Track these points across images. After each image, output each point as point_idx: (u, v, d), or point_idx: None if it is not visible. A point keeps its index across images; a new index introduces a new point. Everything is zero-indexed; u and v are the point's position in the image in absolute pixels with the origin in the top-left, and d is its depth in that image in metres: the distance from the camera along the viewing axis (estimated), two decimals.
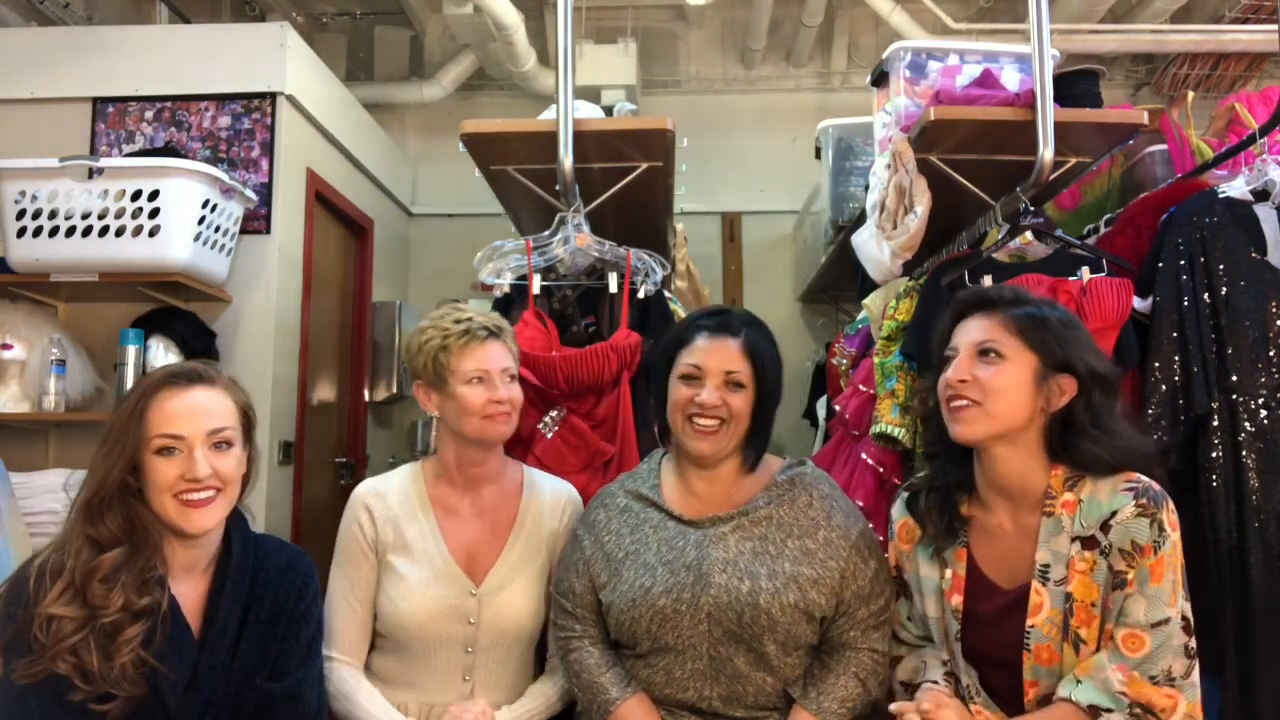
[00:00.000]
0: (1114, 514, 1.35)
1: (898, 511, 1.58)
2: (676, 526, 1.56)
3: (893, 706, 1.43)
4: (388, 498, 1.69)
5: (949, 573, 1.47)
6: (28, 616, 1.27)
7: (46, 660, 1.24)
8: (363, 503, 1.69)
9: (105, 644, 1.27)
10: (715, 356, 1.56)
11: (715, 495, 1.59)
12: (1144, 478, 1.38)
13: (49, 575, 1.30)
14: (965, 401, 1.42)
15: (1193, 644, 1.32)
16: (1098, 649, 1.35)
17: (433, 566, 1.63)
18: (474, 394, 1.63)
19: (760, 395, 1.57)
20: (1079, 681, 1.33)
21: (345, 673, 1.61)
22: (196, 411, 1.36)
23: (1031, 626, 1.38)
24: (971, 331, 1.46)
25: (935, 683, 1.47)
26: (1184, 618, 1.33)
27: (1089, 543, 1.36)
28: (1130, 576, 1.33)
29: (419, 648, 1.62)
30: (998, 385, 1.40)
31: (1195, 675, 1.32)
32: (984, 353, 1.43)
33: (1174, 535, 1.34)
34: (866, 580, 1.52)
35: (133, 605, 1.29)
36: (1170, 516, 1.34)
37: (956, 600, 1.46)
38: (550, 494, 1.76)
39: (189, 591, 1.40)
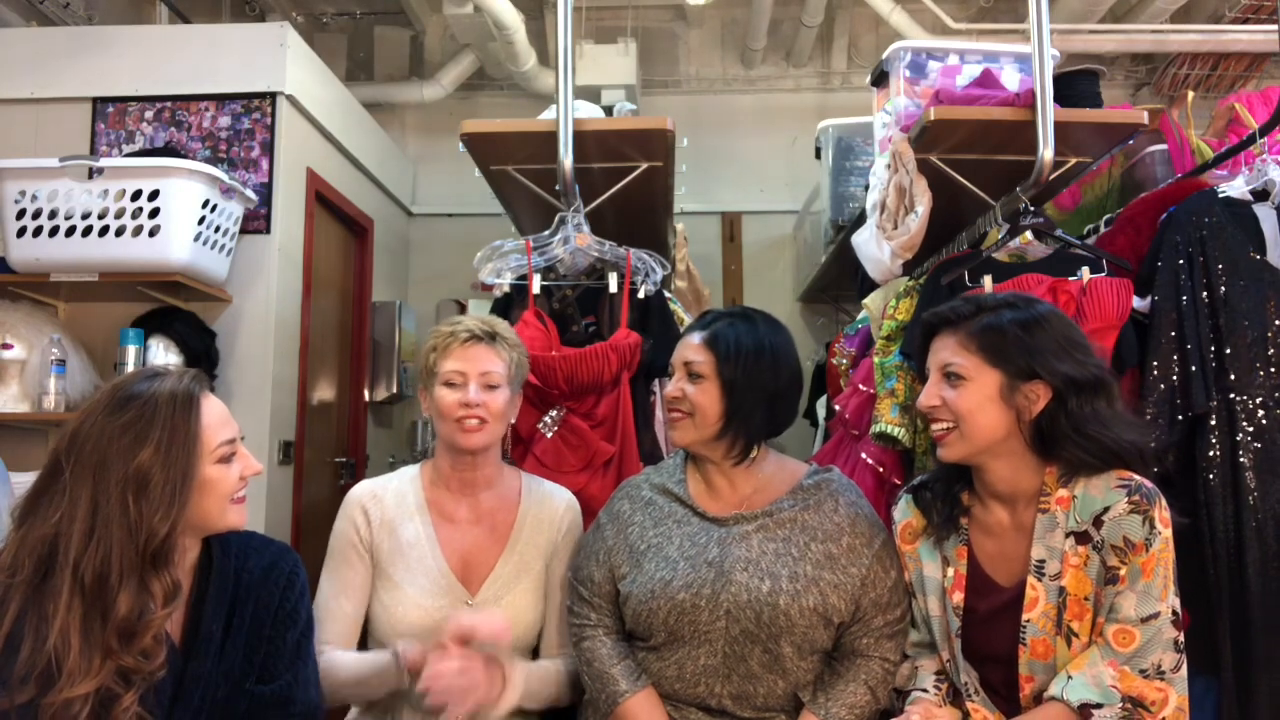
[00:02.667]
0: (1106, 510, 1.37)
1: (899, 513, 1.59)
2: (700, 523, 1.56)
3: None
4: (384, 500, 1.67)
5: (951, 570, 1.48)
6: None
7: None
8: (360, 504, 1.67)
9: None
10: (680, 352, 1.61)
11: (735, 492, 1.59)
12: (1136, 475, 1.39)
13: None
14: (942, 425, 1.45)
15: (1181, 639, 1.34)
16: (1089, 643, 1.37)
17: (428, 575, 1.61)
18: (446, 396, 1.63)
19: (724, 384, 1.55)
20: (1070, 678, 1.34)
21: (325, 658, 1.54)
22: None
23: (1027, 621, 1.39)
24: (939, 352, 1.48)
25: (925, 691, 1.48)
26: (1174, 612, 1.34)
27: (1082, 537, 1.38)
28: (1122, 573, 1.35)
29: None
30: (963, 408, 1.42)
31: (1184, 670, 1.34)
32: (948, 375, 1.45)
33: (1165, 532, 1.35)
34: (885, 589, 1.52)
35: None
36: (1162, 514, 1.36)
37: (958, 597, 1.47)
38: (550, 502, 1.74)
39: None
